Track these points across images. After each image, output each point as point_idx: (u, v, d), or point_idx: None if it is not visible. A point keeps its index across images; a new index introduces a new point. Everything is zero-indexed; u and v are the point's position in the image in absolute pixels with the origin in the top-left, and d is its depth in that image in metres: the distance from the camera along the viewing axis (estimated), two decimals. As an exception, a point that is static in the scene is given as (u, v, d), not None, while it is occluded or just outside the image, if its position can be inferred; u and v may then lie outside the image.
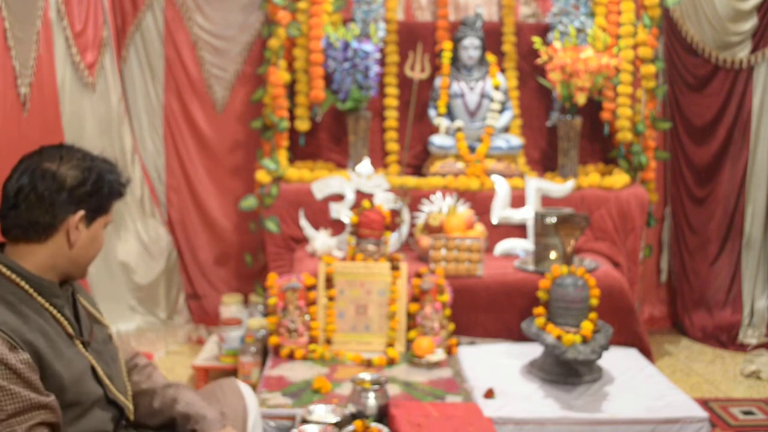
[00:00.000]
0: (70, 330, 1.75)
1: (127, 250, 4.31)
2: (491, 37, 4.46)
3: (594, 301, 3.24)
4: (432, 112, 4.40)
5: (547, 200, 4.08)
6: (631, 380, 3.15)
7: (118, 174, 1.81)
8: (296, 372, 3.15)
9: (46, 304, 1.72)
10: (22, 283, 1.69)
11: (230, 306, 3.85)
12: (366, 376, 2.69)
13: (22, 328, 1.63)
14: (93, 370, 1.77)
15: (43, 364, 1.64)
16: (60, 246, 1.73)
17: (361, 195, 4.02)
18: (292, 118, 4.32)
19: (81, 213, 1.72)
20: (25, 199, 1.70)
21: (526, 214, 4.02)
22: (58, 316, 1.73)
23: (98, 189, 1.74)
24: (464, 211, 3.90)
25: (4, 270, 1.69)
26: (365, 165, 4.13)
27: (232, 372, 3.60)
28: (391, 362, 3.27)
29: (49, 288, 1.74)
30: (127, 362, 1.98)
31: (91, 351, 1.80)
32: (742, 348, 4.41)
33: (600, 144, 4.54)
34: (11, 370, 1.57)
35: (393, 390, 2.91)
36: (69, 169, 1.72)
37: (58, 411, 1.65)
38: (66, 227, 1.71)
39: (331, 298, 3.44)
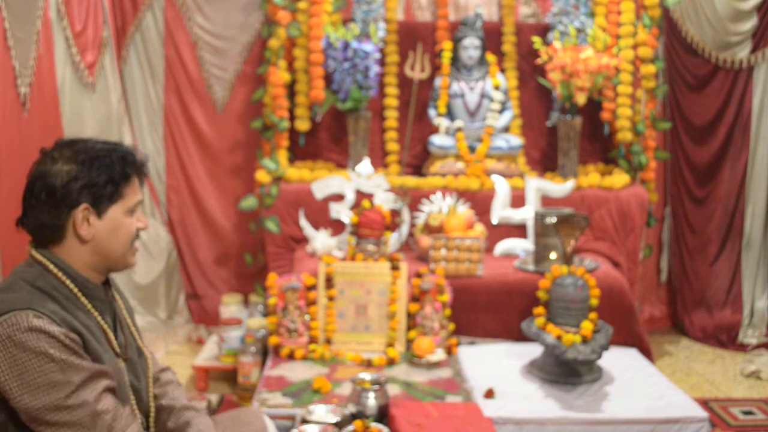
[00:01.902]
0: (110, 335, 1.76)
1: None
2: (491, 37, 4.46)
3: (594, 301, 3.24)
4: (432, 112, 4.40)
5: (547, 200, 4.08)
6: (631, 380, 3.15)
7: (123, 155, 1.76)
8: (296, 372, 3.15)
9: (89, 306, 1.73)
10: (68, 282, 1.70)
11: (230, 306, 3.85)
12: (366, 376, 2.69)
13: (68, 318, 1.64)
14: (124, 379, 1.78)
15: (87, 346, 1.66)
16: (77, 243, 1.72)
17: (361, 195, 4.02)
18: (292, 118, 4.31)
19: (83, 206, 1.70)
20: (29, 205, 1.73)
21: (526, 214, 4.02)
22: (100, 319, 1.74)
23: (95, 179, 1.70)
24: (464, 211, 3.90)
25: (51, 267, 1.70)
26: (365, 165, 4.13)
27: (232, 372, 3.61)
28: (391, 362, 3.27)
29: (93, 290, 1.75)
30: (153, 375, 1.97)
31: (126, 361, 1.81)
32: (742, 348, 4.41)
33: (600, 144, 4.54)
34: (65, 345, 1.59)
35: (393, 390, 2.91)
36: (62, 166, 1.70)
37: (115, 376, 1.68)
38: (72, 224, 1.71)
39: (331, 298, 3.44)
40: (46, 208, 1.70)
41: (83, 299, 1.71)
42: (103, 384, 1.64)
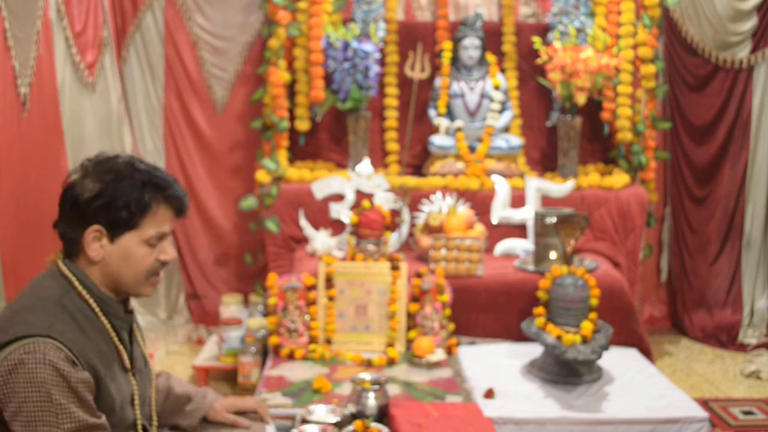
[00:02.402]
0: (125, 357, 1.76)
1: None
2: (491, 37, 4.46)
3: (594, 301, 3.24)
4: (432, 112, 4.40)
5: (547, 200, 4.08)
6: (631, 380, 3.15)
7: (149, 183, 1.71)
8: (296, 372, 3.15)
9: (108, 326, 1.72)
10: (90, 301, 1.70)
11: (230, 306, 3.85)
12: (366, 376, 2.69)
13: (85, 347, 1.64)
14: (133, 396, 1.79)
15: (100, 385, 1.66)
16: (89, 261, 1.71)
17: (361, 195, 4.02)
18: (292, 118, 4.32)
19: (95, 227, 1.68)
20: (59, 211, 1.73)
21: (526, 214, 4.02)
22: (117, 342, 1.74)
23: (112, 202, 1.67)
24: (464, 211, 3.90)
25: (76, 284, 1.70)
26: (365, 165, 4.13)
27: (232, 372, 3.61)
28: (391, 362, 3.27)
29: (114, 309, 1.75)
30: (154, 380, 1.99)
31: (136, 375, 1.81)
32: (742, 348, 4.41)
33: (600, 144, 4.54)
34: (71, 388, 1.57)
35: (393, 390, 2.91)
36: (89, 182, 1.68)
37: (110, 431, 1.66)
38: (85, 241, 1.69)
39: (331, 298, 3.43)
40: (67, 220, 1.71)
41: (103, 319, 1.71)
42: None
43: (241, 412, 2.14)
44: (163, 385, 2.04)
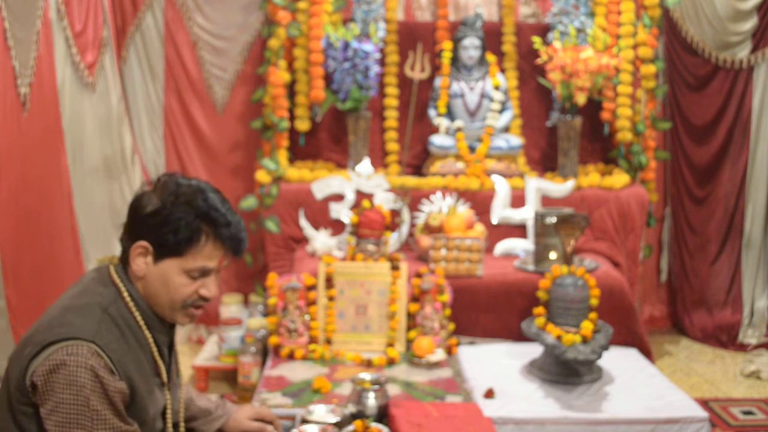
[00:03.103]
0: (163, 371, 1.77)
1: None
2: (491, 37, 4.46)
3: (594, 301, 3.24)
4: (432, 112, 4.40)
5: (547, 200, 4.08)
6: (631, 380, 3.15)
7: (204, 216, 1.69)
8: (296, 372, 3.15)
9: (150, 340, 1.73)
10: (137, 314, 1.70)
11: (230, 306, 3.85)
12: (366, 376, 2.69)
13: (125, 357, 1.65)
14: (165, 408, 1.80)
15: (135, 397, 1.67)
16: (135, 274, 1.72)
17: (361, 195, 4.02)
18: (292, 118, 4.31)
19: (143, 243, 1.68)
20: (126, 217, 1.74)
21: (526, 214, 4.02)
22: (157, 356, 1.75)
23: (164, 224, 1.66)
24: (464, 211, 3.90)
25: (124, 294, 1.70)
26: (365, 165, 4.13)
27: (232, 372, 3.61)
28: (391, 362, 3.27)
29: (158, 324, 1.75)
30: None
31: (171, 389, 1.82)
32: (742, 348, 4.41)
33: (600, 144, 4.54)
34: (107, 396, 1.58)
35: (393, 390, 2.91)
36: (154, 197, 1.69)
37: None
38: (131, 254, 1.70)
39: (331, 298, 3.43)
40: (126, 228, 1.72)
41: (146, 332, 1.72)
42: None
43: (260, 420, 2.12)
44: (186, 397, 2.03)
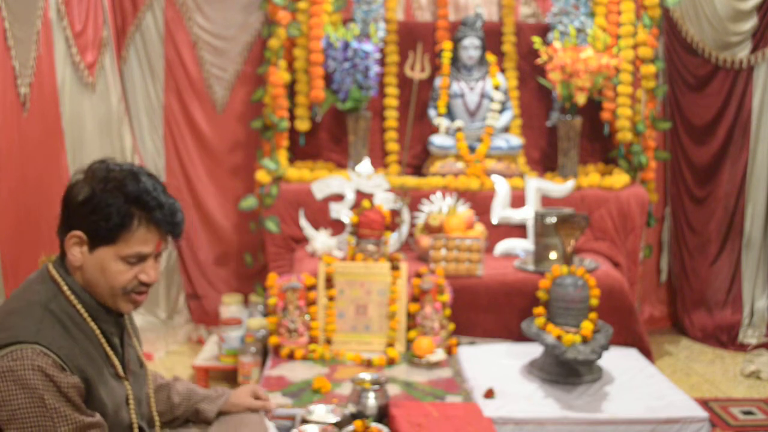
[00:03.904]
0: (116, 362, 1.74)
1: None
2: (491, 37, 4.46)
3: (594, 301, 3.24)
4: (432, 112, 4.40)
5: (547, 200, 4.08)
6: (631, 380, 3.15)
7: (136, 200, 1.65)
8: (296, 372, 3.15)
9: (97, 331, 1.70)
10: (78, 306, 1.68)
11: (230, 306, 3.85)
12: (366, 376, 2.69)
13: (73, 351, 1.62)
14: (127, 398, 1.78)
15: (90, 390, 1.64)
16: (73, 265, 1.70)
17: (361, 195, 4.02)
18: (292, 118, 4.31)
19: (76, 232, 1.65)
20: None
21: (526, 214, 4.02)
22: (107, 347, 1.72)
23: (95, 212, 1.63)
24: (464, 211, 3.90)
25: (64, 288, 1.68)
26: (365, 165, 4.13)
27: (232, 372, 3.61)
28: (391, 362, 3.27)
29: (102, 314, 1.72)
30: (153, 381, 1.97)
31: (129, 378, 1.79)
32: (742, 348, 4.41)
33: (600, 144, 4.54)
34: (62, 392, 1.57)
35: (393, 390, 2.91)
36: (85, 186, 1.66)
37: (106, 428, 1.66)
38: (66, 244, 1.68)
39: (331, 298, 3.44)
40: (61, 219, 1.70)
41: (92, 324, 1.69)
42: None
43: (257, 398, 2.15)
44: (184, 387, 2.04)
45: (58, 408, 1.56)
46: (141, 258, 1.69)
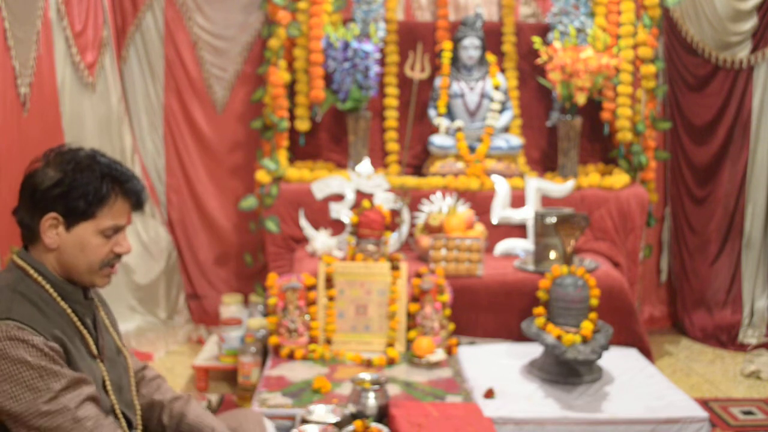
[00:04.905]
0: (90, 341, 1.77)
1: (127, 250, 4.31)
2: (491, 37, 4.46)
3: (594, 301, 3.24)
4: (432, 112, 4.40)
5: (547, 200, 4.08)
6: (631, 380, 3.15)
7: (109, 175, 1.73)
8: (296, 372, 3.15)
9: (68, 310, 1.73)
10: (47, 286, 1.71)
11: (230, 306, 3.85)
12: (366, 376, 2.69)
13: (47, 326, 1.66)
14: (104, 381, 1.79)
15: (69, 358, 1.67)
16: (45, 248, 1.72)
17: (361, 195, 4.02)
18: (292, 118, 4.31)
19: (52, 214, 1.69)
20: (19, 200, 1.75)
21: (526, 214, 4.02)
22: (79, 324, 1.75)
23: (71, 191, 1.69)
24: (464, 211, 3.90)
25: (30, 271, 1.71)
26: (365, 165, 4.13)
27: (232, 372, 3.61)
28: (391, 362, 3.27)
29: (72, 294, 1.75)
30: (135, 374, 1.97)
31: (104, 362, 1.81)
32: (742, 348, 4.41)
33: (600, 144, 4.54)
34: (45, 354, 1.60)
35: (393, 390, 2.91)
36: (50, 171, 1.70)
37: (94, 384, 1.69)
38: (41, 228, 1.71)
39: (331, 298, 3.44)
40: (26, 208, 1.73)
41: (62, 303, 1.72)
42: (85, 392, 1.65)
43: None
44: (177, 411, 1.97)
45: (45, 366, 1.59)
46: (117, 230, 1.77)
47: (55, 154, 1.74)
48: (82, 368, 1.70)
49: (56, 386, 1.60)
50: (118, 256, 1.79)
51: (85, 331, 1.76)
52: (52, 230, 1.71)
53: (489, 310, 3.61)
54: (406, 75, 4.43)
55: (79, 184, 1.69)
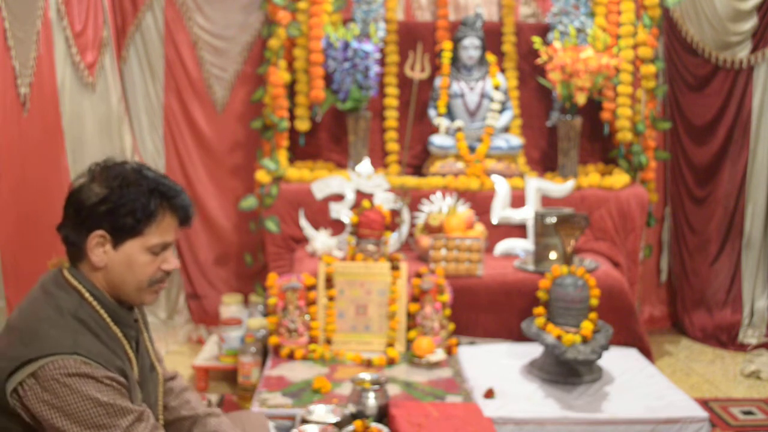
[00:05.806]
0: (134, 362, 1.75)
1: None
2: (491, 37, 4.46)
3: (594, 301, 3.24)
4: (432, 112, 4.40)
5: (547, 200, 4.08)
6: (631, 380, 3.15)
7: (156, 192, 1.69)
8: (296, 372, 3.15)
9: (119, 334, 1.71)
10: (102, 312, 1.68)
11: (230, 306, 3.85)
12: (366, 376, 2.69)
13: (108, 356, 1.64)
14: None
15: (129, 386, 1.67)
16: (92, 267, 1.69)
17: (361, 195, 4.02)
18: (292, 118, 4.31)
19: (99, 232, 1.66)
20: (64, 215, 1.71)
21: (526, 214, 4.02)
22: (129, 350, 1.73)
23: (118, 208, 1.65)
24: (464, 211, 3.90)
25: (86, 295, 1.68)
26: (365, 165, 4.13)
27: (232, 372, 3.61)
28: (391, 362, 3.27)
29: (124, 318, 1.73)
30: (163, 384, 1.96)
31: (141, 383, 1.80)
32: (742, 348, 4.41)
33: (600, 144, 4.54)
34: (112, 388, 1.59)
35: (393, 390, 2.91)
36: (96, 186, 1.67)
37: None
38: (88, 247, 1.67)
39: (331, 298, 3.44)
40: (71, 225, 1.69)
41: (114, 328, 1.70)
42: (150, 424, 1.64)
43: None
44: (212, 429, 1.96)
45: (114, 403, 1.57)
46: (164, 247, 1.73)
47: (100, 168, 1.71)
48: (134, 395, 1.70)
49: (124, 423, 1.58)
50: (167, 273, 1.75)
51: (132, 356, 1.74)
52: (99, 248, 1.67)
53: (489, 310, 3.61)
54: (406, 75, 4.43)
55: (126, 201, 1.66)
